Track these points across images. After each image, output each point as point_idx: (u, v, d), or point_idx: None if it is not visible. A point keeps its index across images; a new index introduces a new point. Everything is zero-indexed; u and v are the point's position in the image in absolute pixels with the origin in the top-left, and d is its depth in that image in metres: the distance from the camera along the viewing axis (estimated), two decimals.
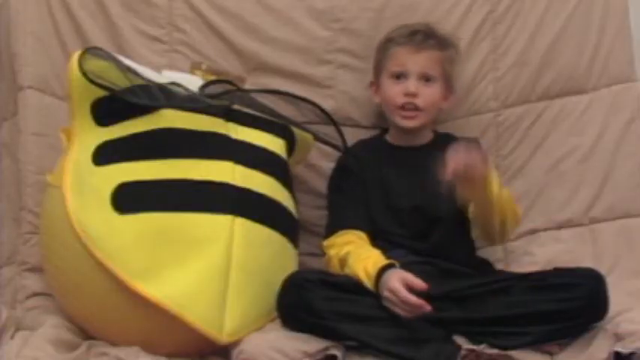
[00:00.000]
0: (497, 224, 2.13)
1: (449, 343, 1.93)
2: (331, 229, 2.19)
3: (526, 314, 1.93)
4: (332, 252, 2.13)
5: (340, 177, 2.28)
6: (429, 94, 2.21)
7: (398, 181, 2.23)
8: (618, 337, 1.86)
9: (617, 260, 2.25)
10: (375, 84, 2.30)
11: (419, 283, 1.91)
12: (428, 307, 1.89)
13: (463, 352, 1.89)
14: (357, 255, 2.05)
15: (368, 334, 1.90)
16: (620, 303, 1.97)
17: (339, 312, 1.91)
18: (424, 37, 2.23)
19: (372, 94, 2.32)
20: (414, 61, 2.21)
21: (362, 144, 2.33)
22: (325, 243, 2.17)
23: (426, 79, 2.21)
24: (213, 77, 2.25)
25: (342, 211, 2.22)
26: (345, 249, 2.09)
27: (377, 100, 2.31)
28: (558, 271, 2.03)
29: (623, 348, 1.83)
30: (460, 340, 1.93)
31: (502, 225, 2.14)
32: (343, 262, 2.07)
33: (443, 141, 2.27)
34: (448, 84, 2.27)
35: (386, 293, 1.93)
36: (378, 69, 2.29)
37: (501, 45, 2.42)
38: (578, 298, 1.93)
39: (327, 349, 1.88)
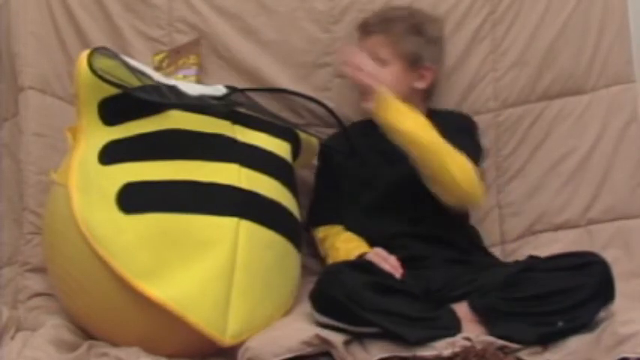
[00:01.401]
0: (422, 164, 2.08)
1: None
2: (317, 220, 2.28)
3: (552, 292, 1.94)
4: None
5: (324, 170, 2.33)
6: (383, 77, 2.19)
7: (380, 162, 2.24)
8: (620, 340, 1.85)
9: (615, 262, 2.22)
10: None
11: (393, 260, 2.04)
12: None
13: (465, 342, 1.89)
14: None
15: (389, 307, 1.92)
16: (618, 304, 1.97)
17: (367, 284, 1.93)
18: (372, 22, 2.28)
19: None
20: (362, 47, 2.26)
21: (352, 129, 2.32)
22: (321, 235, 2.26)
23: (380, 62, 2.22)
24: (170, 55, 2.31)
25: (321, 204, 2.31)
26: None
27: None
28: (562, 256, 2.04)
29: (632, 353, 1.79)
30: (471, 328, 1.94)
31: (435, 169, 2.08)
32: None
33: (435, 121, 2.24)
34: (413, 63, 2.26)
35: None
36: None
37: (501, 45, 2.43)
38: (595, 275, 1.95)
39: (326, 341, 1.88)
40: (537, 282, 1.96)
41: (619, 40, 2.44)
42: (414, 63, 2.26)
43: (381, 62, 2.23)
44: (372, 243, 2.16)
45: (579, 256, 2.03)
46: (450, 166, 2.07)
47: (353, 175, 2.26)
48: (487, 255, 2.26)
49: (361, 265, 2.01)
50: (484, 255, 2.25)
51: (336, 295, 1.90)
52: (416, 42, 2.28)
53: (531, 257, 2.08)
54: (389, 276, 2.01)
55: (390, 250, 2.11)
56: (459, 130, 2.24)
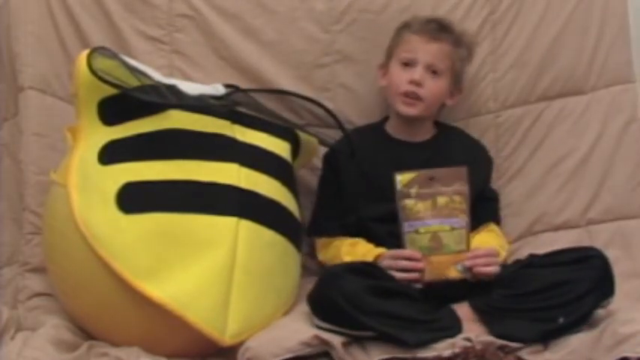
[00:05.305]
0: None
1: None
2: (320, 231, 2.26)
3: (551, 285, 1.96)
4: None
5: (328, 178, 2.31)
6: (433, 87, 2.20)
7: (388, 169, 2.19)
8: (620, 339, 1.85)
9: (614, 262, 2.23)
10: (385, 67, 2.29)
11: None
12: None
13: (465, 343, 1.89)
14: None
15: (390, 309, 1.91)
16: (618, 304, 1.98)
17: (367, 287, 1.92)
18: (439, 27, 2.23)
19: (378, 77, 2.32)
20: (425, 50, 2.21)
21: (359, 135, 2.30)
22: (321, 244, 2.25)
23: (433, 71, 2.20)
24: None
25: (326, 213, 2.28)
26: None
27: (382, 84, 2.30)
28: (561, 252, 2.06)
29: (632, 352, 1.80)
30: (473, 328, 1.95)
31: None
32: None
33: (446, 139, 2.28)
34: (456, 81, 2.27)
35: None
36: (390, 53, 2.28)
37: (501, 46, 2.43)
38: (594, 268, 1.97)
39: (325, 342, 1.88)
40: (537, 277, 1.98)
41: (619, 40, 2.44)
42: (456, 82, 2.27)
43: (435, 71, 2.21)
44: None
45: (578, 250, 2.04)
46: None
47: (358, 183, 2.24)
48: None
49: (360, 268, 1.99)
50: None
51: (335, 299, 1.89)
52: (465, 63, 2.29)
53: (531, 255, 2.09)
54: (388, 278, 2.00)
55: None
56: (485, 175, 2.31)
